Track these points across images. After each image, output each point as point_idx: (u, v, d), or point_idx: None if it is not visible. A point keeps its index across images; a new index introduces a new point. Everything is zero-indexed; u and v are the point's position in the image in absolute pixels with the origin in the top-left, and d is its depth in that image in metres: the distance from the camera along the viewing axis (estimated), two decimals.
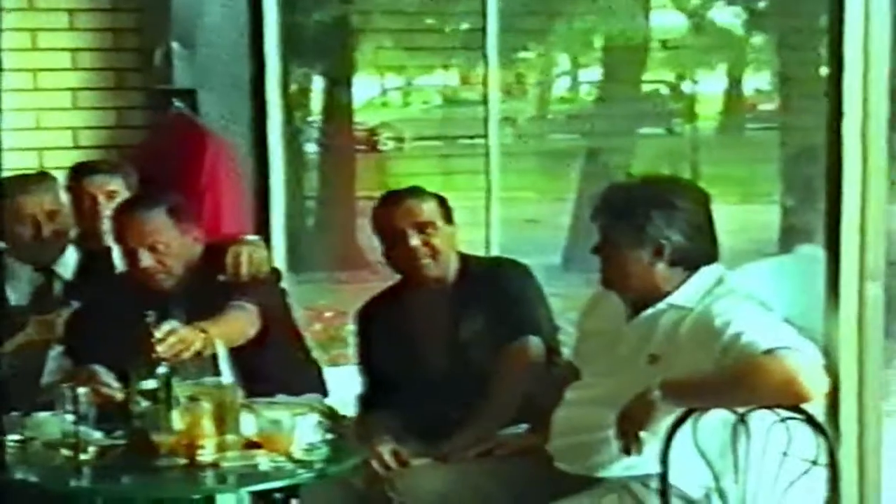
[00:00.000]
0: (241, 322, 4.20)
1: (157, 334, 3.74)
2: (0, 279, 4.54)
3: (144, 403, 3.70)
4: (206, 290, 4.25)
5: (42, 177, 4.97)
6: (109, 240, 4.71)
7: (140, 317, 3.75)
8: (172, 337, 3.77)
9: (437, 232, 4.25)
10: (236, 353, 3.97)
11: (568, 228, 13.02)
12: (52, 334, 4.29)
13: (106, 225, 4.82)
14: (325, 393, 4.52)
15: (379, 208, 4.36)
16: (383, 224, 4.32)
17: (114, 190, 5.06)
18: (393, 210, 4.30)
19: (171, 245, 4.27)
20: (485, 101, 6.96)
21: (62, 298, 4.58)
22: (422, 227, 4.24)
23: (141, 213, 4.31)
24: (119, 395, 3.88)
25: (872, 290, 3.67)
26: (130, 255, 4.30)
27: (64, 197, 4.84)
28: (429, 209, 4.27)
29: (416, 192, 4.37)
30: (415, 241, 4.23)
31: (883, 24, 3.60)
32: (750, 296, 3.65)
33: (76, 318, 4.41)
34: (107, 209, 4.88)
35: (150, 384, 3.69)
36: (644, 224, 3.66)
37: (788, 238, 11.45)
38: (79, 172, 5.05)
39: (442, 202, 4.33)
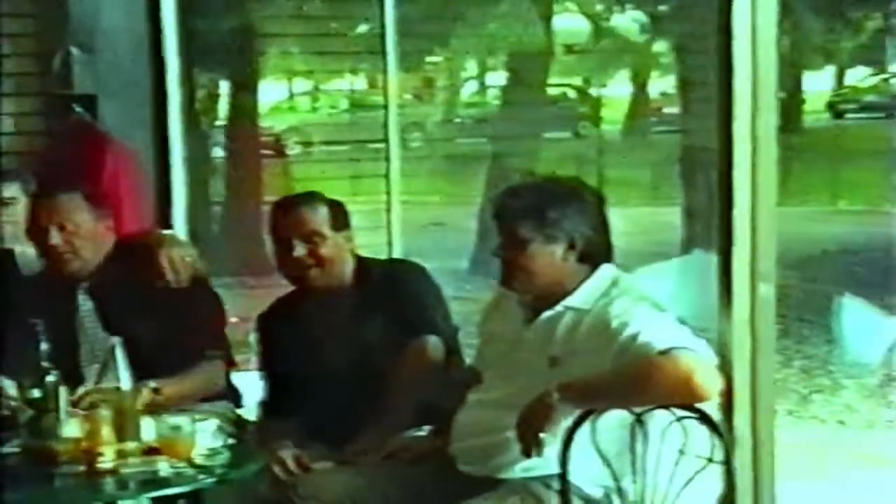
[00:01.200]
0: (208, 380, 4.30)
1: (72, 397, 3.76)
2: None
3: (29, 412, 3.68)
4: (125, 289, 4.28)
5: None
6: (12, 243, 4.70)
7: (38, 323, 3.73)
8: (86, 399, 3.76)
9: (325, 241, 4.24)
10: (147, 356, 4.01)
11: (475, 232, 13.07)
12: None
13: (7, 230, 4.79)
14: (237, 400, 4.51)
15: (271, 216, 4.37)
16: (274, 232, 4.33)
17: (11, 196, 5.02)
18: (281, 219, 4.30)
19: (82, 227, 4.29)
20: (386, 106, 6.98)
21: None
22: (308, 237, 4.23)
23: (57, 194, 4.36)
24: (13, 404, 3.83)
25: (764, 291, 3.73)
26: (41, 234, 4.30)
27: None
28: (318, 218, 4.26)
29: (308, 199, 4.34)
30: (300, 250, 4.23)
31: (769, 24, 3.66)
32: (644, 297, 3.69)
33: None
34: (3, 215, 4.85)
35: (36, 393, 3.67)
36: (559, 219, 3.69)
37: (691, 241, 11.58)
38: None
39: (334, 208, 4.32)
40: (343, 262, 4.30)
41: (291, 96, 17.72)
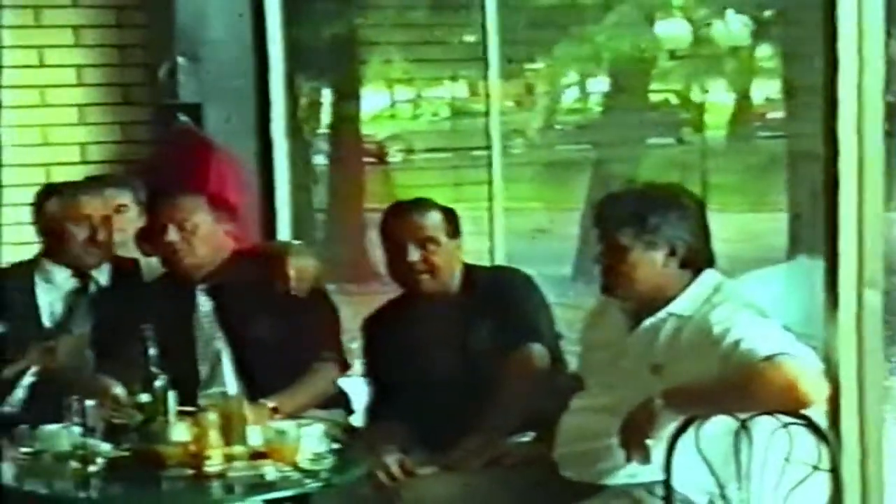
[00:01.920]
0: (324, 385, 4.39)
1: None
2: (31, 287, 4.58)
3: (139, 416, 3.76)
4: (247, 293, 4.38)
5: (93, 183, 4.99)
6: (127, 251, 4.79)
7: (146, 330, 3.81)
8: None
9: (439, 248, 4.28)
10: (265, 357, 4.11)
11: (577, 238, 13.03)
12: (52, 362, 4.27)
13: (118, 237, 4.88)
14: (348, 406, 4.57)
15: (384, 220, 4.41)
16: (387, 236, 4.37)
17: (123, 203, 5.11)
18: (396, 223, 4.34)
19: (201, 227, 4.39)
20: (488, 113, 7.00)
21: (97, 298, 4.58)
22: (423, 243, 4.27)
23: (178, 195, 4.48)
24: (125, 409, 3.91)
25: (871, 297, 3.69)
26: (159, 233, 4.40)
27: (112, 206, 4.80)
28: (432, 224, 4.30)
29: (423, 205, 4.39)
30: (414, 256, 4.26)
31: (876, 27, 3.63)
32: (748, 303, 3.68)
33: (102, 327, 4.46)
34: (117, 223, 4.94)
35: (145, 397, 3.75)
36: (659, 225, 3.69)
37: (796, 246, 11.47)
38: (90, 185, 5.00)
39: (448, 216, 4.36)
40: (452, 270, 4.33)
41: (393, 104, 17.79)
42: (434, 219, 4.32)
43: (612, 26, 12.92)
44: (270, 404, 3.97)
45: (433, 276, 4.29)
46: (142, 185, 5.21)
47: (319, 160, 14.15)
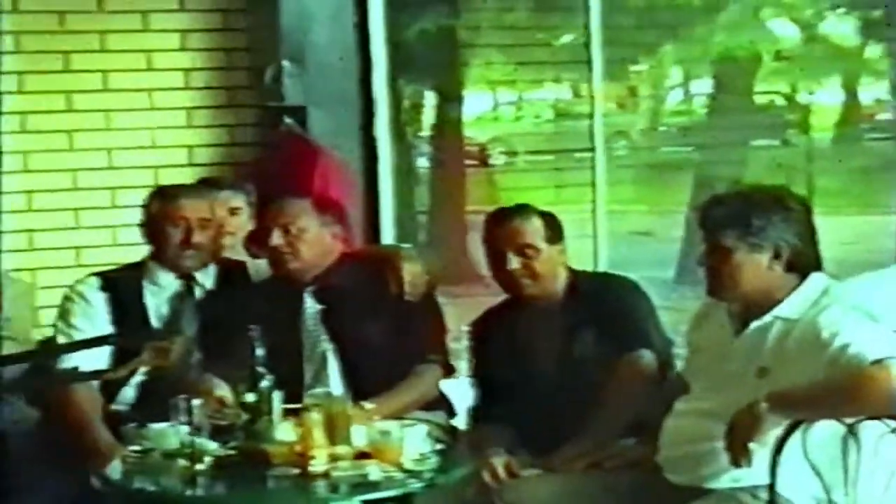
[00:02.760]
0: (426, 388, 4.43)
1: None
2: (138, 289, 4.65)
3: (245, 416, 3.81)
4: (355, 296, 4.42)
5: (199, 186, 5.03)
6: (236, 254, 4.84)
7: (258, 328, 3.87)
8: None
9: (539, 254, 4.29)
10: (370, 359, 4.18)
11: (681, 241, 12.94)
12: (166, 362, 4.31)
13: (229, 240, 4.94)
14: (450, 409, 4.60)
15: (485, 227, 4.42)
16: (487, 243, 4.39)
17: (237, 206, 5.16)
18: (495, 231, 4.36)
19: (306, 231, 4.43)
20: (592, 115, 6.99)
21: (203, 302, 4.63)
22: (522, 250, 4.28)
23: (285, 198, 4.53)
24: (230, 410, 3.97)
25: None
26: (264, 236, 4.45)
27: (217, 210, 4.79)
28: (532, 231, 4.31)
29: (523, 211, 4.39)
30: (514, 264, 4.28)
31: None
32: (857, 306, 3.63)
33: (209, 328, 4.52)
34: (229, 225, 4.99)
35: (251, 397, 3.80)
36: (764, 227, 3.67)
37: None
38: (203, 188, 5.06)
39: (548, 221, 4.36)
40: (556, 275, 4.34)
41: (495, 106, 17.78)
42: (533, 225, 4.33)
43: (723, 26, 12.81)
44: (369, 406, 3.99)
45: (535, 282, 4.30)
46: (254, 189, 5.26)
47: (421, 163, 14.18)
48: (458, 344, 4.73)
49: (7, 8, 6.06)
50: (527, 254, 4.28)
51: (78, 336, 4.51)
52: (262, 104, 6.21)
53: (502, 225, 4.35)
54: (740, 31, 12.90)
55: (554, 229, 4.36)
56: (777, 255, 3.70)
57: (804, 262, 3.73)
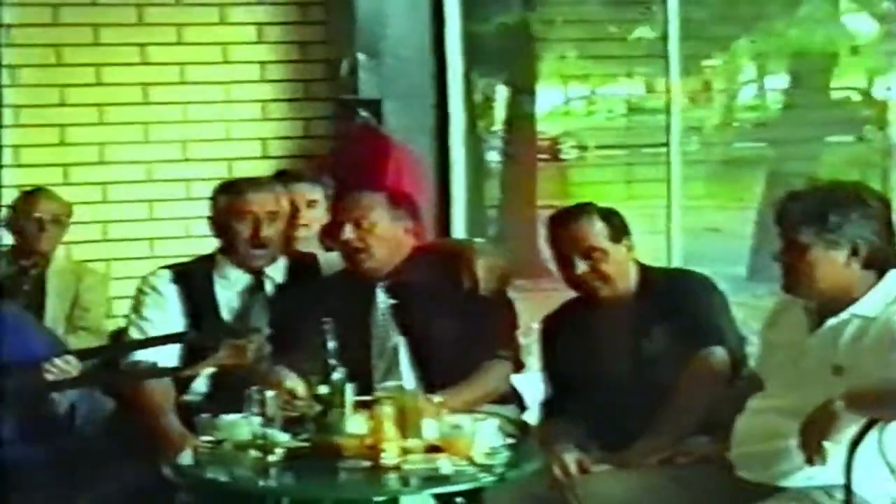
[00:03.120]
0: (496, 382, 4.42)
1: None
2: (209, 282, 4.67)
3: (317, 408, 3.81)
4: (428, 291, 4.42)
5: (267, 179, 5.01)
6: (311, 246, 4.85)
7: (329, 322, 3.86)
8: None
9: (606, 255, 4.25)
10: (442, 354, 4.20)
11: (752, 237, 12.84)
12: (243, 361, 4.30)
13: (304, 232, 4.94)
14: (521, 404, 4.59)
15: (548, 231, 4.38)
16: (553, 247, 4.35)
17: (314, 199, 5.17)
18: (559, 235, 4.32)
19: (378, 225, 4.43)
20: (667, 110, 6.95)
21: (274, 296, 4.63)
22: (588, 253, 4.24)
23: (359, 193, 4.53)
24: (301, 402, 3.98)
25: None
26: (337, 230, 4.46)
27: (284, 203, 4.76)
28: (595, 232, 4.26)
29: (584, 212, 4.33)
30: (582, 268, 4.25)
31: None
32: None
33: (280, 321, 4.52)
34: (305, 218, 5.00)
35: (323, 390, 3.79)
36: (842, 223, 3.64)
37: None
38: (282, 180, 5.08)
39: (611, 219, 4.31)
40: (625, 273, 4.31)
41: (567, 101, 17.74)
42: (596, 226, 4.28)
43: (800, 21, 12.68)
44: (438, 399, 3.98)
45: (605, 283, 4.27)
46: (331, 182, 5.25)
47: (491, 157, 14.17)
48: (528, 339, 4.71)
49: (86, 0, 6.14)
50: (593, 256, 4.25)
51: (149, 327, 4.55)
52: (337, 97, 6.22)
53: (565, 227, 4.30)
54: (818, 26, 12.77)
55: (617, 227, 4.31)
56: (854, 253, 3.66)
57: (882, 259, 3.68)
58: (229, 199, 4.64)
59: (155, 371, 4.38)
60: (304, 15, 6.37)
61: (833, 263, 3.66)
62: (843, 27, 13.25)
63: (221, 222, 4.65)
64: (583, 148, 15.67)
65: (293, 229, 4.87)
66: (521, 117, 13.81)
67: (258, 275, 4.65)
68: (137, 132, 6.26)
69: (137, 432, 4.30)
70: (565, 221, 4.32)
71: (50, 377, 4.13)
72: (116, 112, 6.22)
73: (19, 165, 6.10)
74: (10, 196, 5.70)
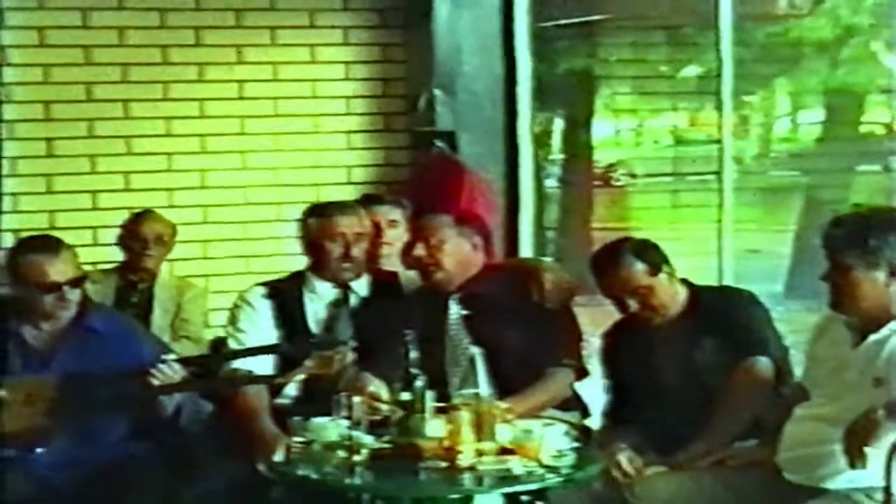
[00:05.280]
0: (558, 389, 4.37)
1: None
2: (299, 297, 4.65)
3: (399, 412, 3.78)
4: (498, 303, 4.39)
5: (352, 203, 4.98)
6: (394, 265, 4.83)
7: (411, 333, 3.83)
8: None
9: (651, 290, 4.19)
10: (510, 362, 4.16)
11: (789, 258, 12.75)
12: (330, 370, 4.24)
13: (386, 250, 4.93)
14: (584, 410, 4.54)
15: (594, 273, 4.29)
16: (601, 288, 4.27)
17: (394, 220, 5.15)
18: (603, 280, 4.24)
19: (445, 242, 4.42)
20: (719, 141, 6.93)
21: (357, 309, 4.61)
22: (634, 292, 4.19)
23: (429, 215, 4.57)
24: (384, 407, 3.95)
25: None
26: (410, 248, 4.51)
27: (367, 224, 4.73)
28: (635, 273, 4.19)
29: (618, 253, 4.23)
30: (633, 306, 4.21)
31: None
32: None
33: (363, 332, 4.49)
34: (387, 237, 4.98)
35: (405, 395, 3.76)
36: (881, 246, 3.59)
37: None
38: (366, 203, 5.06)
39: (646, 255, 4.22)
40: (674, 296, 4.25)
41: (617, 132, 17.70)
42: (635, 268, 4.19)
43: (845, 61, 12.57)
44: (504, 405, 3.92)
45: (656, 312, 4.23)
46: (410, 204, 5.23)
47: (549, 183, 14.16)
48: (587, 349, 4.66)
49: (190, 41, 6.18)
50: (639, 293, 4.19)
51: (245, 338, 4.55)
52: (416, 129, 6.22)
53: (606, 272, 4.23)
54: (859, 66, 12.65)
55: (654, 260, 4.23)
56: (893, 273, 3.61)
57: None
58: (320, 222, 4.63)
59: (251, 378, 4.37)
60: (387, 55, 6.39)
61: (874, 283, 3.61)
62: (882, 67, 13.11)
63: (313, 242, 4.64)
64: (633, 175, 15.62)
65: (376, 248, 4.85)
66: (577, 147, 13.81)
67: (345, 289, 4.63)
68: (235, 160, 6.28)
69: (235, 432, 4.29)
70: (605, 266, 4.25)
71: (156, 382, 4.13)
72: (217, 142, 6.26)
73: (129, 190, 6.14)
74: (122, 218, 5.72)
